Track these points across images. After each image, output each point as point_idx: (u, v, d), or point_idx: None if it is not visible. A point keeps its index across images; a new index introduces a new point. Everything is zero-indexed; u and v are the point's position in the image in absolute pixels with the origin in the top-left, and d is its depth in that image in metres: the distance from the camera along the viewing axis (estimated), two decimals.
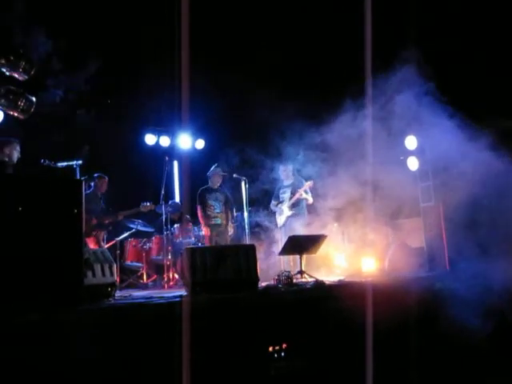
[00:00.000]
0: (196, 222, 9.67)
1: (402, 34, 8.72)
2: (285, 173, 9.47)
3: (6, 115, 7.40)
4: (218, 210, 9.26)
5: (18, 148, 7.53)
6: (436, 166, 8.67)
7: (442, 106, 8.04)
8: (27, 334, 4.40)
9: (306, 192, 9.20)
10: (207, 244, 8.97)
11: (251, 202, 9.56)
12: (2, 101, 7.12)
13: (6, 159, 7.39)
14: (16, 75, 7.21)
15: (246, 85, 10.24)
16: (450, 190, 8.27)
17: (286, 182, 9.50)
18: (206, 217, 9.20)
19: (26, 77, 7.27)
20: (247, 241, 8.86)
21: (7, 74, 7.15)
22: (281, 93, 9.86)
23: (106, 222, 8.71)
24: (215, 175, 9.36)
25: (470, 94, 8.58)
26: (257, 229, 9.85)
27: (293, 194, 9.24)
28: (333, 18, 10.22)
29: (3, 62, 7.04)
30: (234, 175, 9.24)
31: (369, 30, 7.91)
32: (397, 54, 8.30)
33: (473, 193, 7.87)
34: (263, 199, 10.08)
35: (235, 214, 9.74)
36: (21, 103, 7.25)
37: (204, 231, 9.24)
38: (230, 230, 9.37)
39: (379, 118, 8.53)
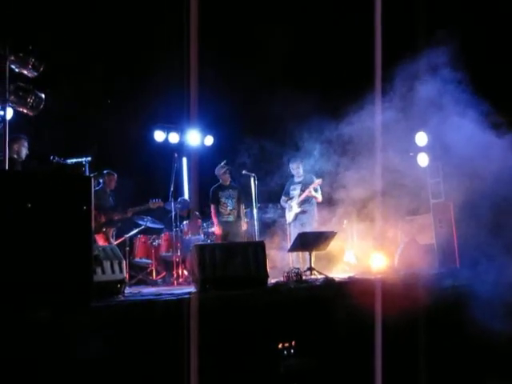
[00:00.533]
0: (205, 219, 9.66)
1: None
2: (296, 170, 9.43)
3: (15, 112, 7.41)
4: (230, 207, 9.28)
5: (26, 144, 7.56)
6: (447, 162, 8.63)
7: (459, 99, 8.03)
8: (38, 331, 4.41)
9: (315, 190, 9.15)
10: (218, 240, 8.96)
11: (261, 199, 9.52)
12: (12, 97, 7.13)
13: (15, 156, 7.41)
14: (25, 72, 7.22)
15: (256, 81, 10.22)
16: (462, 186, 8.23)
17: (297, 179, 9.46)
18: (219, 215, 9.21)
19: (36, 74, 7.28)
20: (256, 237, 8.82)
21: (16, 70, 7.16)
22: (291, 88, 9.81)
23: (116, 218, 8.72)
24: (221, 172, 9.36)
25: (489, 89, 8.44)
26: (266, 225, 9.82)
27: (302, 190, 9.20)
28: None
29: (12, 58, 7.05)
30: (244, 172, 9.21)
31: (378, 22, 7.85)
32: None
33: (485, 190, 7.83)
34: (273, 195, 10.06)
35: (245, 210, 9.69)
36: (30, 100, 7.25)
37: (216, 230, 9.24)
38: (244, 226, 9.36)
39: (389, 115, 8.51)
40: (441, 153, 8.82)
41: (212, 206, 9.29)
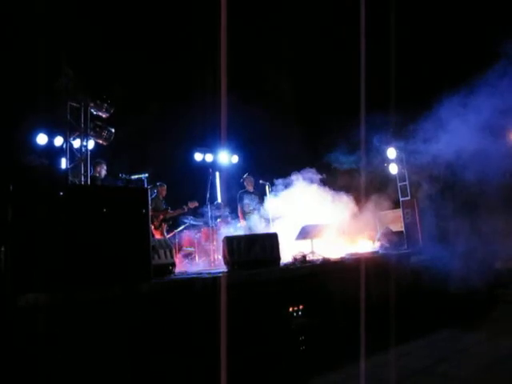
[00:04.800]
0: (233, 217, 9.70)
1: None
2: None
3: (95, 143, 7.57)
4: (252, 207, 9.27)
5: (105, 167, 7.72)
6: (411, 169, 8.63)
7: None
8: (114, 301, 4.51)
9: None
10: (243, 233, 8.98)
11: None
12: (92, 133, 7.30)
13: (97, 175, 7.56)
14: (100, 113, 7.38)
15: (271, 113, 10.23)
16: (422, 187, 8.22)
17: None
18: (244, 212, 9.24)
19: (108, 114, 7.44)
20: (271, 230, 8.82)
21: (94, 113, 7.33)
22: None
23: (168, 217, 8.81)
24: (247, 181, 9.41)
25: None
26: None
27: None
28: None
29: (92, 104, 7.22)
30: (261, 181, 9.25)
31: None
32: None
33: (440, 189, 7.83)
34: None
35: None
36: (104, 133, 7.41)
37: (242, 223, 9.26)
38: (263, 223, 9.28)
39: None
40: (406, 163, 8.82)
41: (238, 205, 9.33)
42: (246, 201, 9.27)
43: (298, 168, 9.31)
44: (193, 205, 8.99)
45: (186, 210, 8.96)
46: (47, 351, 4.02)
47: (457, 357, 5.40)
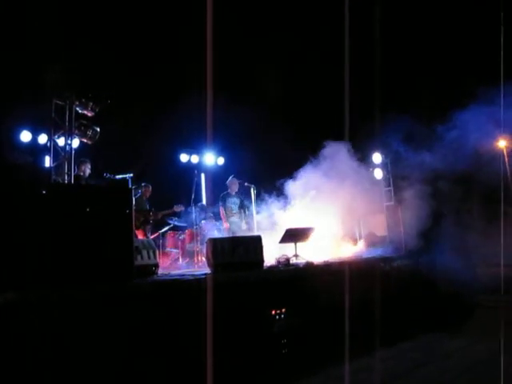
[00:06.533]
0: (217, 218, 9.67)
1: None
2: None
3: (80, 141, 7.49)
4: (234, 211, 9.21)
5: (89, 166, 7.63)
6: (395, 175, 8.70)
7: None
8: (98, 300, 4.47)
9: None
10: (226, 235, 8.96)
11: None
12: (77, 131, 7.22)
13: (81, 173, 7.48)
14: (85, 112, 7.31)
15: (255, 116, 10.22)
16: (406, 193, 8.29)
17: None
18: (226, 215, 9.18)
19: (93, 113, 7.37)
20: (255, 232, 8.81)
21: (79, 111, 7.25)
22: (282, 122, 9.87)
23: (150, 218, 8.74)
24: (232, 183, 9.33)
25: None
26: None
27: None
28: None
29: (77, 103, 7.15)
30: (246, 184, 9.23)
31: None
32: None
33: (423, 195, 7.90)
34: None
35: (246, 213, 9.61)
36: (89, 132, 7.35)
37: (225, 225, 9.19)
38: (244, 226, 9.25)
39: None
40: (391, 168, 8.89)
41: (220, 208, 9.20)
42: (228, 203, 9.20)
43: (285, 170, 9.33)
44: (178, 209, 8.97)
45: (170, 212, 8.93)
46: (22, 352, 3.95)
47: (438, 361, 5.46)
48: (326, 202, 8.66)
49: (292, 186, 8.90)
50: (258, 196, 9.04)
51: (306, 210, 8.77)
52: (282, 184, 9.05)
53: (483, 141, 7.96)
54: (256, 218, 8.91)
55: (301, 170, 8.92)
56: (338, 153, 8.62)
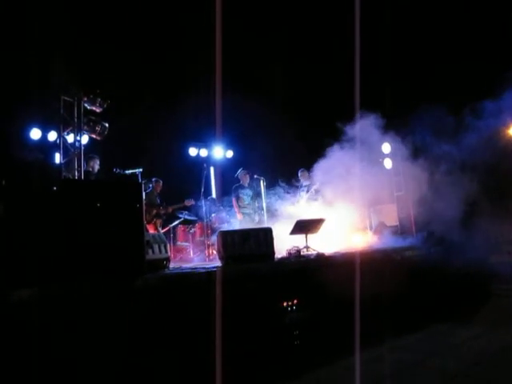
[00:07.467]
0: (227, 211, 9.68)
1: None
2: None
3: (89, 137, 7.53)
4: (247, 202, 9.27)
5: (98, 162, 7.67)
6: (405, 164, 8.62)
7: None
8: (110, 294, 4.50)
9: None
10: (239, 226, 8.97)
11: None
12: (86, 127, 7.26)
13: (90, 169, 7.53)
14: (94, 108, 7.34)
15: (266, 108, 10.19)
16: (417, 182, 8.22)
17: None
18: (238, 206, 9.24)
19: (102, 109, 7.40)
20: (265, 224, 8.81)
21: (88, 107, 7.29)
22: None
23: (161, 212, 8.80)
24: (243, 175, 9.40)
25: None
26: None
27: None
28: None
29: (85, 99, 7.18)
30: (255, 176, 9.23)
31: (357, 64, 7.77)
32: None
33: (433, 184, 7.83)
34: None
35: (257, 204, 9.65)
36: (98, 128, 7.38)
37: (238, 216, 9.26)
38: (257, 218, 9.29)
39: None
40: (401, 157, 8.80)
41: (233, 199, 9.33)
42: (241, 195, 9.26)
43: (294, 163, 9.28)
44: (189, 203, 9.01)
45: (181, 206, 8.98)
46: (41, 347, 4.01)
47: (449, 351, 5.43)
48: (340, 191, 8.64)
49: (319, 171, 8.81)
50: (268, 188, 9.04)
51: (314, 202, 8.75)
52: (304, 171, 9.05)
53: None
54: (266, 209, 8.91)
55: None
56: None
